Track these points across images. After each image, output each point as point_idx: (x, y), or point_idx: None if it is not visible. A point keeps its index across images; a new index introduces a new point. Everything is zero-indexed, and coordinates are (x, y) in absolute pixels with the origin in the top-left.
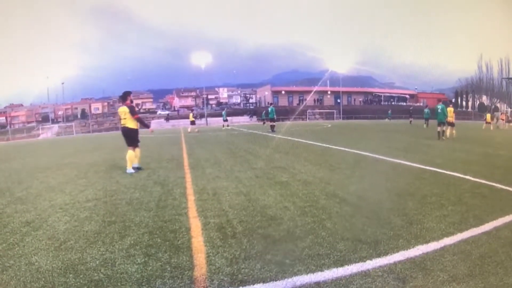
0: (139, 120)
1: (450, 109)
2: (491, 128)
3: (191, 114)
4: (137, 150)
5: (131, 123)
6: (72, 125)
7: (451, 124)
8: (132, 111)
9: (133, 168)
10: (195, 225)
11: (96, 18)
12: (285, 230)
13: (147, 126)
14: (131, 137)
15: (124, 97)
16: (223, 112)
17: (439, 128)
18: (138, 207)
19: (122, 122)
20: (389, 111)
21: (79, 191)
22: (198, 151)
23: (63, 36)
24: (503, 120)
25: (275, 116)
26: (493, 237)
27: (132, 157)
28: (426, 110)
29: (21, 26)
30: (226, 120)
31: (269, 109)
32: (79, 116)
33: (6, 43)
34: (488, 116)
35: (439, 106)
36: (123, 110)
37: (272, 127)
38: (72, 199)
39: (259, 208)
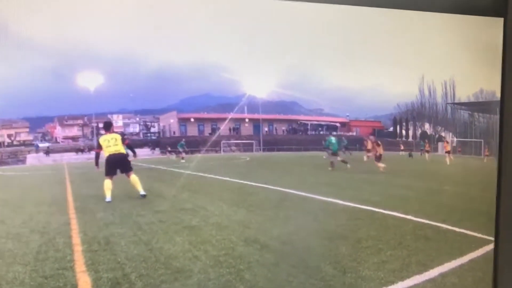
0: (129, 146)
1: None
2: (427, 157)
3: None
4: (134, 176)
5: (123, 149)
6: None
7: (378, 158)
8: (123, 138)
9: (141, 195)
10: (84, 280)
11: None
12: (195, 284)
13: (134, 152)
14: (126, 162)
15: (109, 126)
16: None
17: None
18: (11, 260)
19: (113, 149)
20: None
21: None
22: (86, 191)
23: None
24: (448, 152)
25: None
26: (438, 284)
27: (109, 185)
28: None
29: None
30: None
31: None
32: None
33: None
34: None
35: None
36: (113, 136)
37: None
38: None
39: (163, 259)
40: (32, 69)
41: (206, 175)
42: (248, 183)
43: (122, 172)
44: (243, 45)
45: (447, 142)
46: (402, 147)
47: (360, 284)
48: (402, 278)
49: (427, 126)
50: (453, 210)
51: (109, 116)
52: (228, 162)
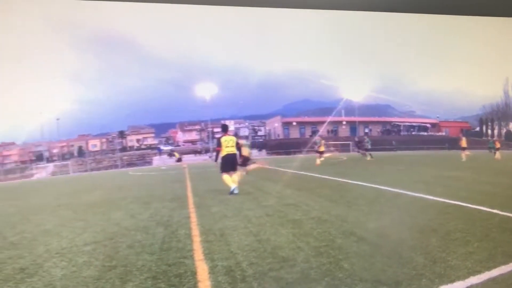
0: (239, 149)
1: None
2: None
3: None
4: (236, 174)
5: (235, 150)
6: (68, 164)
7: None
8: (237, 142)
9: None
10: (202, 268)
11: (94, 48)
12: (298, 272)
13: (241, 155)
14: (236, 162)
15: (226, 128)
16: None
17: None
18: (140, 250)
19: (230, 149)
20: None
21: (77, 234)
22: (202, 188)
23: (57, 68)
24: None
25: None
26: None
27: (229, 179)
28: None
29: (10, 57)
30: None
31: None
32: (75, 154)
33: None
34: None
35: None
36: (230, 138)
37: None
38: (69, 243)
39: (270, 249)
40: (156, 82)
41: (307, 173)
42: (345, 180)
43: (230, 170)
44: (340, 53)
45: None
46: (498, 145)
47: (449, 273)
48: (489, 268)
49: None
50: None
51: (222, 121)
52: (327, 162)
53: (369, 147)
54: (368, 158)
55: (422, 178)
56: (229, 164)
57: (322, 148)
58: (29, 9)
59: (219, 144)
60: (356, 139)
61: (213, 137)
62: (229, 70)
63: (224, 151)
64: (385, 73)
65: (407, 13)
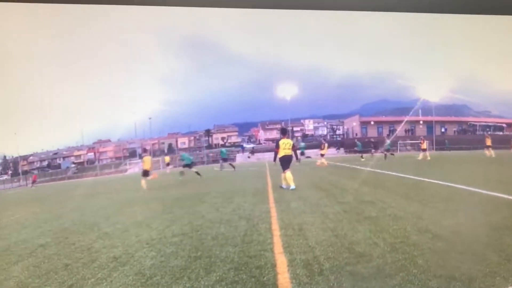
0: (295, 151)
1: None
2: None
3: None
4: (289, 173)
5: (291, 152)
6: (159, 160)
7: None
8: (293, 144)
9: (291, 188)
10: (281, 261)
11: (183, 51)
12: (374, 267)
13: (297, 156)
14: (290, 162)
15: (286, 132)
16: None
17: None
18: (224, 242)
19: (287, 151)
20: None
21: (166, 226)
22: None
23: (149, 71)
24: None
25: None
26: None
27: (290, 177)
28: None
29: (106, 62)
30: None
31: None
32: (165, 150)
33: (93, 79)
34: None
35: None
36: (288, 141)
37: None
38: (159, 234)
39: (347, 244)
40: (240, 83)
41: (384, 171)
42: (421, 179)
43: (286, 168)
44: (417, 54)
45: None
46: None
47: None
48: None
49: None
50: None
51: (301, 121)
52: (403, 160)
53: (389, 148)
54: (363, 159)
55: (498, 177)
56: (286, 163)
57: (325, 151)
58: (125, 18)
59: (277, 146)
60: (372, 140)
61: (293, 136)
62: (310, 71)
63: (282, 153)
64: (463, 73)
65: (484, 15)
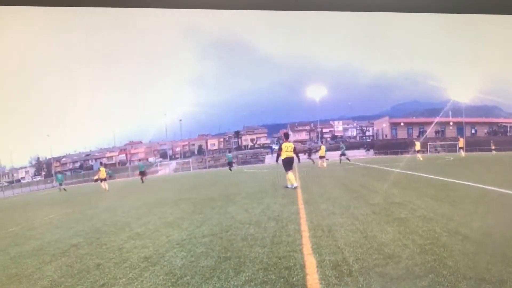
0: (297, 154)
1: None
2: None
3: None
4: (291, 173)
5: (292, 154)
6: (189, 161)
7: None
8: (295, 147)
9: (294, 186)
10: (310, 262)
11: (213, 53)
12: (403, 268)
13: (299, 158)
14: (292, 164)
15: (288, 136)
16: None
17: None
18: (253, 243)
19: (287, 154)
20: None
21: (196, 227)
22: (311, 186)
23: (180, 72)
24: None
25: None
26: None
27: (292, 177)
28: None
29: (138, 64)
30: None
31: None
32: (196, 152)
33: (125, 82)
34: None
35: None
36: (290, 145)
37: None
38: (189, 235)
39: (376, 245)
40: (269, 84)
41: (413, 173)
42: (451, 180)
43: (289, 169)
44: (448, 55)
45: None
46: None
47: None
48: None
49: None
50: None
51: (330, 122)
52: (433, 162)
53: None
54: (319, 165)
55: None
56: (288, 165)
57: (322, 154)
58: (157, 21)
59: (280, 149)
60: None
61: (322, 137)
62: (339, 73)
63: (284, 155)
64: (493, 75)
65: None
